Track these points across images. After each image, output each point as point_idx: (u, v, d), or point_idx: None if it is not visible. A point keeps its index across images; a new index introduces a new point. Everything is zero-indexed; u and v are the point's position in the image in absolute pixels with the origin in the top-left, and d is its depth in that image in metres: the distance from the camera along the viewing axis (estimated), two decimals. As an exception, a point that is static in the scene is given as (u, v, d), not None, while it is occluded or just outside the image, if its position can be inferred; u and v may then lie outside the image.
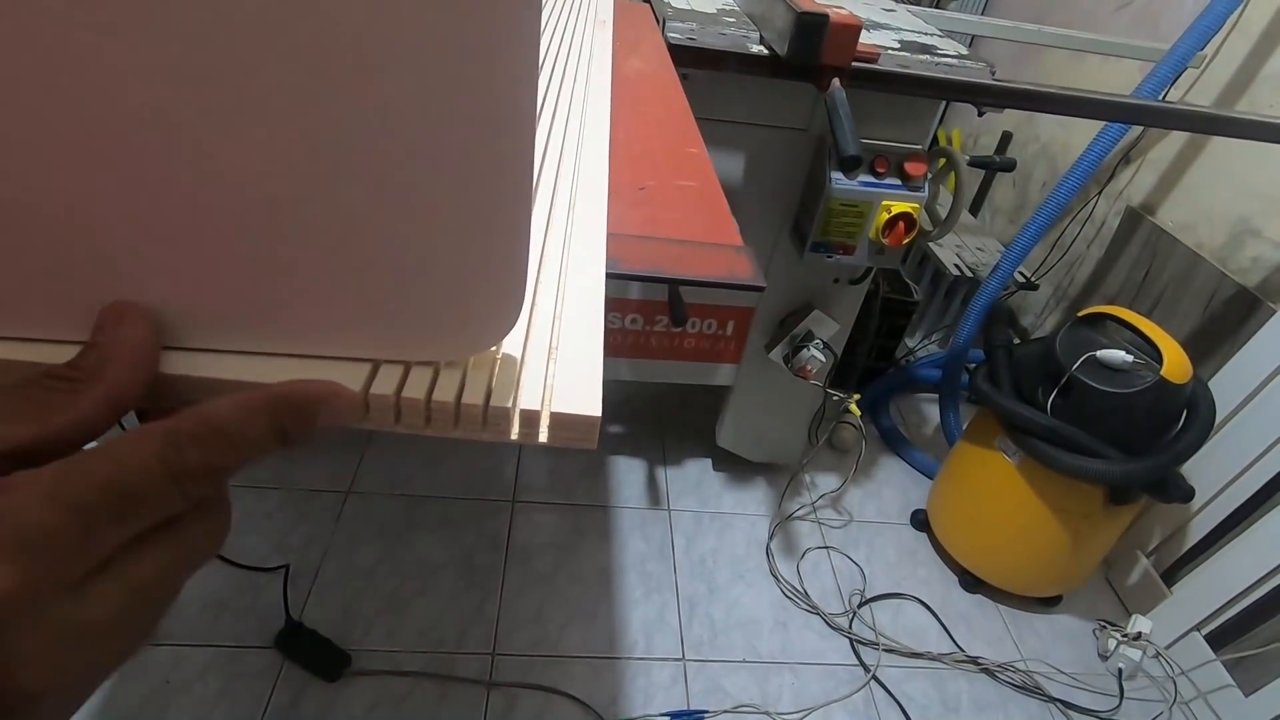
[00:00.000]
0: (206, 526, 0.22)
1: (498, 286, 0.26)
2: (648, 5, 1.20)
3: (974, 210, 2.51)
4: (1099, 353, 1.32)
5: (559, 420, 0.27)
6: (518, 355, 0.29)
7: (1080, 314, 1.42)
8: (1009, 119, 2.42)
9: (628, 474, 1.77)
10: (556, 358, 0.30)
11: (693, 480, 1.78)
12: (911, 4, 1.81)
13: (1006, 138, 2.38)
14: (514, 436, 0.28)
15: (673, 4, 1.16)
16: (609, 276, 0.37)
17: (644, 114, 0.71)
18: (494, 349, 0.29)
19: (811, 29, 0.94)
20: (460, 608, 1.41)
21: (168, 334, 0.25)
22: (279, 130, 0.21)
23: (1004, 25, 1.59)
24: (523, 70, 0.21)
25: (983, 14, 2.60)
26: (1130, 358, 1.30)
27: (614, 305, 1.45)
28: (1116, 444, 1.31)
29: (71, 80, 0.20)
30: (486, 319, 0.27)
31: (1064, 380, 1.34)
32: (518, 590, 1.46)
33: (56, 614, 0.17)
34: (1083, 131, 2.08)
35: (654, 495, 1.73)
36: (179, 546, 0.21)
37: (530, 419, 0.27)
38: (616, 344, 1.51)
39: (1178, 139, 1.77)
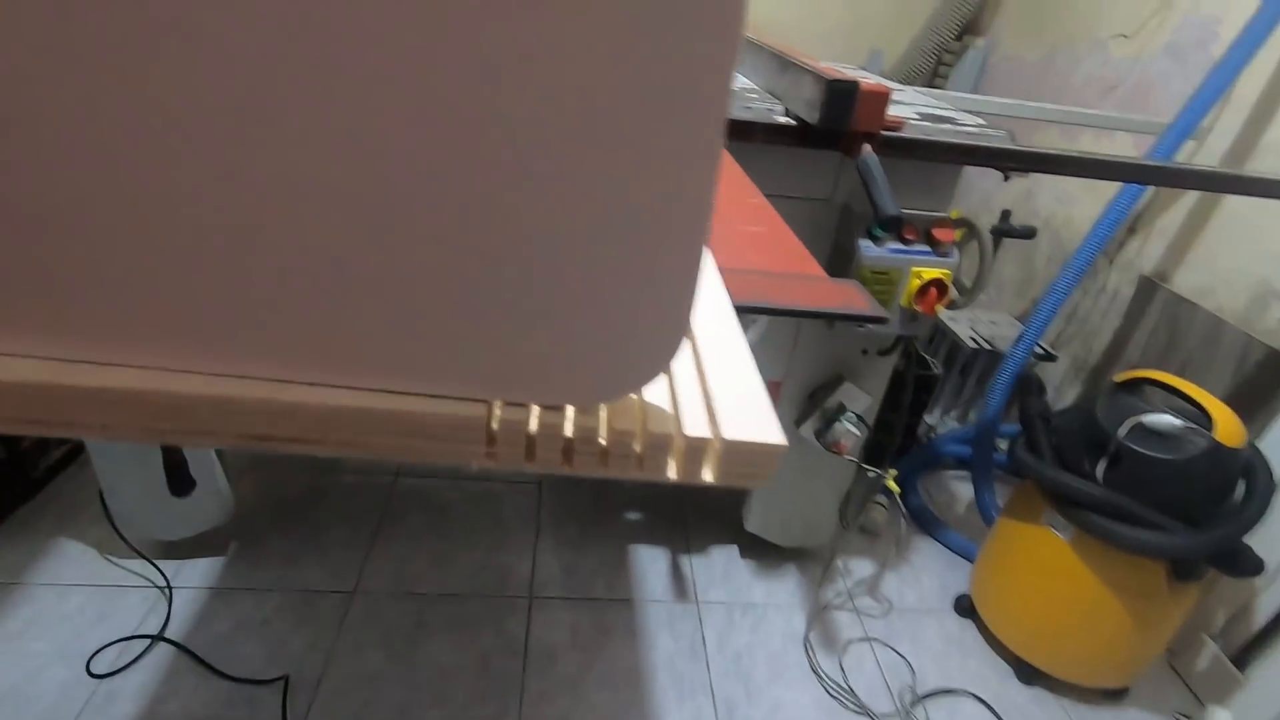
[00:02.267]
0: None
1: (664, 319, 0.21)
2: (670, 84, 1.22)
3: (980, 286, 2.52)
4: (1145, 418, 1.27)
5: (733, 450, 0.21)
6: (664, 383, 0.24)
7: (1116, 379, 1.38)
8: (1008, 196, 2.47)
9: (650, 564, 1.67)
10: (708, 384, 0.24)
11: (720, 569, 1.68)
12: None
13: (1005, 215, 2.42)
14: (673, 474, 0.22)
15: (694, 83, 1.18)
16: (748, 309, 0.32)
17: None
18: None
19: (842, 96, 0.94)
20: (478, 719, 1.28)
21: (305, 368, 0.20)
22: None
23: (1007, 103, 1.64)
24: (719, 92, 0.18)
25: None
26: (1180, 422, 1.24)
27: (636, 383, 1.40)
28: (1174, 514, 1.24)
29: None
30: (645, 355, 0.22)
31: (1112, 449, 1.28)
32: (540, 697, 1.33)
33: None
34: (1084, 205, 2.12)
35: (680, 587, 1.62)
36: None
37: (696, 450, 0.22)
38: (638, 424, 1.45)
39: (1184, 206, 1.80)
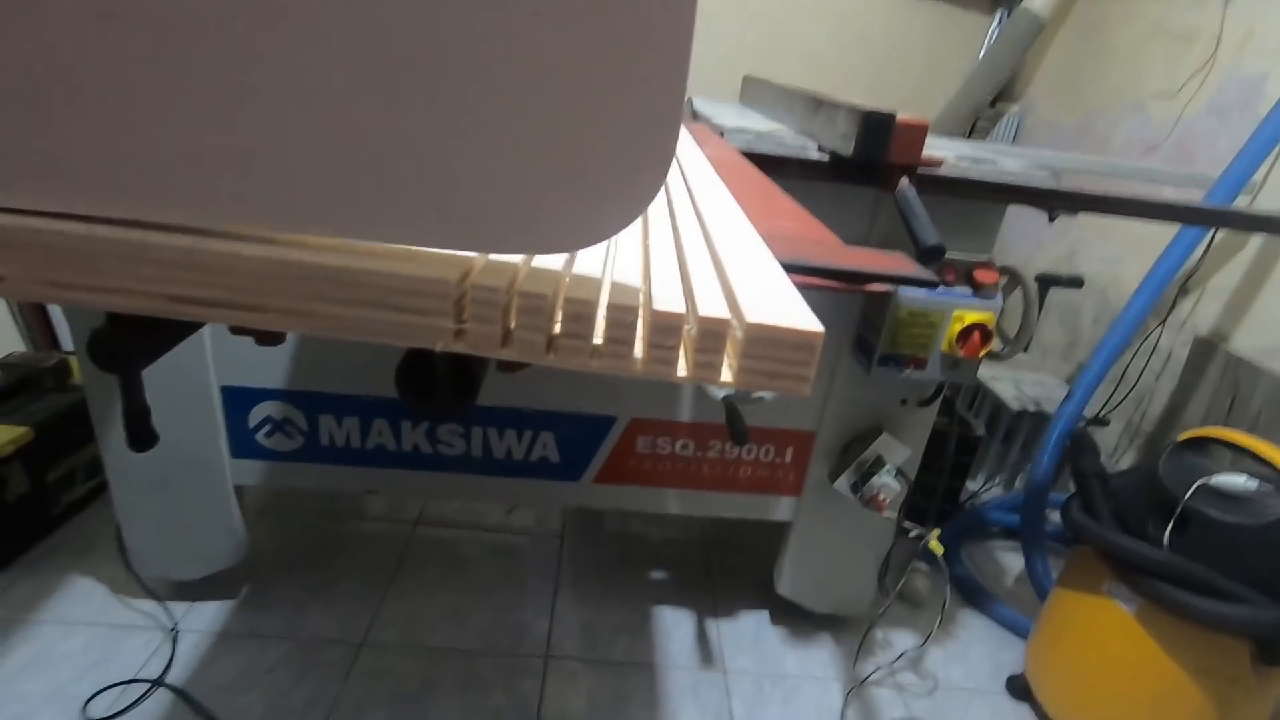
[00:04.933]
0: None
1: (646, 138, 0.18)
2: (702, 124, 1.22)
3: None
4: (1214, 479, 1.17)
5: (759, 337, 0.17)
6: (675, 272, 0.20)
7: (1180, 438, 1.29)
8: (1049, 256, 2.42)
9: (674, 628, 1.57)
10: (728, 275, 0.20)
11: (749, 635, 1.57)
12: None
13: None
14: (683, 371, 0.18)
15: (727, 124, 1.18)
16: (787, 268, 0.28)
17: (730, 180, 0.66)
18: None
19: (878, 127, 0.92)
20: (482, 789, 1.18)
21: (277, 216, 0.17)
22: None
23: (1049, 154, 1.61)
24: None
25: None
26: (1254, 484, 1.14)
27: (662, 429, 1.35)
28: (1255, 586, 1.12)
29: None
30: (626, 188, 0.18)
31: (1178, 512, 1.18)
32: (550, 767, 1.23)
33: None
34: (1130, 265, 2.05)
35: (705, 653, 1.51)
36: None
37: (713, 336, 0.17)
38: (664, 473, 1.39)
39: (1240, 265, 1.72)
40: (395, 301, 0.17)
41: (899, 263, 0.34)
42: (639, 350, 0.18)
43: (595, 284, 0.18)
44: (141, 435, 0.52)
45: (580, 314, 0.17)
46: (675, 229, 0.26)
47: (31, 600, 1.41)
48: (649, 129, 0.17)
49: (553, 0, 0.16)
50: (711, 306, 0.18)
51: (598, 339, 0.18)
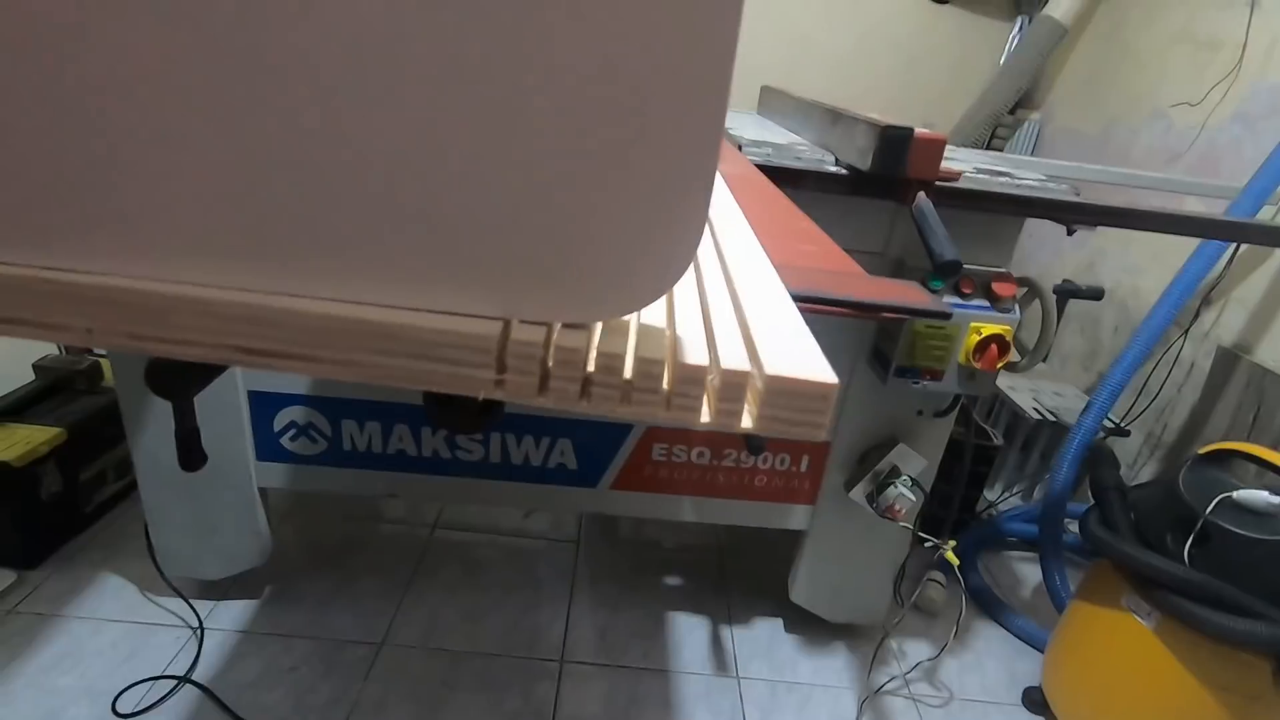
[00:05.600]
0: None
1: (678, 224, 0.19)
2: (721, 137, 1.23)
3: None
4: (1236, 494, 1.16)
5: (777, 388, 0.18)
6: (698, 321, 0.21)
7: (1201, 451, 1.28)
8: (1069, 265, 2.40)
9: (689, 634, 1.58)
10: (748, 323, 0.21)
11: (763, 643, 1.57)
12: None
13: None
14: (706, 418, 0.20)
15: (746, 136, 1.19)
16: (797, 299, 0.29)
17: (748, 200, 0.67)
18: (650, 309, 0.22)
19: (896, 143, 0.93)
20: (498, 791, 1.20)
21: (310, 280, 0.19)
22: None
23: (1068, 165, 1.60)
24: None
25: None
26: (1277, 499, 1.13)
27: (678, 437, 1.36)
28: (1274, 602, 1.11)
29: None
30: (657, 265, 0.20)
31: (1199, 526, 1.17)
32: (565, 771, 1.24)
33: None
34: (1151, 275, 2.03)
35: (719, 659, 1.52)
36: None
37: (734, 385, 0.19)
38: (679, 480, 1.41)
39: (1265, 275, 1.70)
40: (439, 354, 0.18)
41: (913, 293, 0.35)
42: (664, 398, 0.19)
43: (625, 333, 0.20)
44: (193, 455, 0.55)
45: (611, 366, 0.19)
46: (698, 269, 0.27)
47: (63, 597, 1.46)
48: (682, 208, 0.18)
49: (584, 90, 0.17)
50: (733, 358, 0.19)
51: (626, 388, 0.19)
